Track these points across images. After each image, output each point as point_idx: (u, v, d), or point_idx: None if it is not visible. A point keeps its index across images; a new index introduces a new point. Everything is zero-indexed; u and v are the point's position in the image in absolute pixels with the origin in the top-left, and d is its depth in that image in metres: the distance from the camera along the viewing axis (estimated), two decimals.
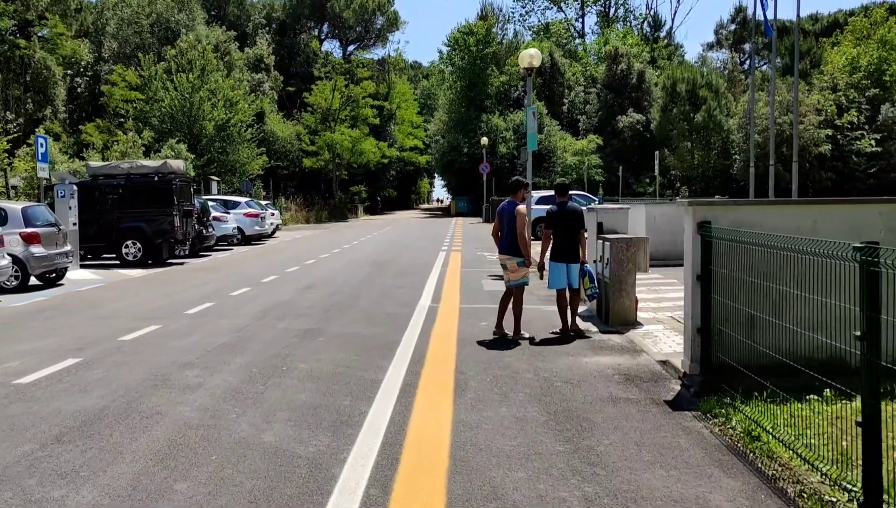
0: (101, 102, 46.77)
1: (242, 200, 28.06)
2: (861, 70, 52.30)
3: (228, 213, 25.30)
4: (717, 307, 6.29)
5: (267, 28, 65.70)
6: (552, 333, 9.07)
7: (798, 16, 27.65)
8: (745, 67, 61.57)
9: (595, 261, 10.45)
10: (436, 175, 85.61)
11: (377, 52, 73.41)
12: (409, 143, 69.07)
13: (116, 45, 51.50)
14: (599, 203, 10.99)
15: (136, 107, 40.18)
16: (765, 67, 58.67)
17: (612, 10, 70.59)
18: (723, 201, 6.32)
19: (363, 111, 57.32)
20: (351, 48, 71.69)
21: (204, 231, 21.67)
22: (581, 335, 8.96)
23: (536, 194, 29.33)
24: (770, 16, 31.76)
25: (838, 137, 47.93)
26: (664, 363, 7.41)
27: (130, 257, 18.80)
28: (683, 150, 50.29)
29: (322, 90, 55.76)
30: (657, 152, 31.70)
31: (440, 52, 73.64)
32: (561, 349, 8.25)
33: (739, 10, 63.01)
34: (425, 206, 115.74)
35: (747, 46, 62.76)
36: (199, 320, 10.34)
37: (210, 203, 24.22)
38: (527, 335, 8.83)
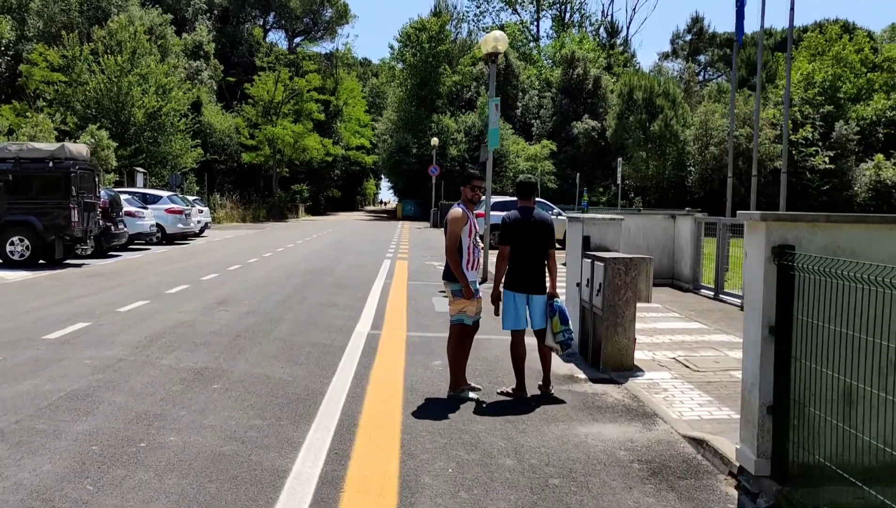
0: (17, 82, 42.91)
1: (164, 194, 25.15)
2: (816, 86, 51.94)
3: (146, 208, 22.41)
4: (802, 376, 4.15)
5: (208, 14, 62.20)
6: (502, 392, 6.51)
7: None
8: (701, 77, 60.96)
9: (578, 284, 8.28)
10: (382, 176, 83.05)
11: (325, 46, 70.67)
12: (355, 141, 66.41)
13: (42, 23, 47.58)
14: (584, 211, 8.70)
15: (58, 89, 36.65)
16: (721, 78, 58.03)
17: (568, 16, 69.31)
18: (810, 215, 3.99)
19: (308, 105, 54.50)
20: (297, 40, 68.70)
21: (112, 228, 18.82)
22: (552, 399, 6.39)
23: (492, 199, 27.22)
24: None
25: (793, 152, 47.23)
26: (698, 442, 5.23)
27: (16, 257, 15.89)
28: (638, 159, 49.06)
29: (265, 82, 52.75)
30: (619, 160, 30.02)
31: (391, 47, 71.09)
32: (546, 411, 6.02)
33: (696, 20, 62.46)
34: (371, 208, 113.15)
35: (702, 58, 62.25)
36: (55, 350, 7.75)
37: (124, 197, 21.33)
38: (472, 396, 6.36)
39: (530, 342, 6.59)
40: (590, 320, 7.83)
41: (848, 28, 60.43)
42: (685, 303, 12.48)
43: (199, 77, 52.32)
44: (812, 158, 47.66)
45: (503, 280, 6.49)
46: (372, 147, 68.35)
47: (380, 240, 29.52)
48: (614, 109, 50.14)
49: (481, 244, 6.55)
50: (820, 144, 49.08)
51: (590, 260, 7.92)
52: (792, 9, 23.05)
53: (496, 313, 6.54)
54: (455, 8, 70.20)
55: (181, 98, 41.19)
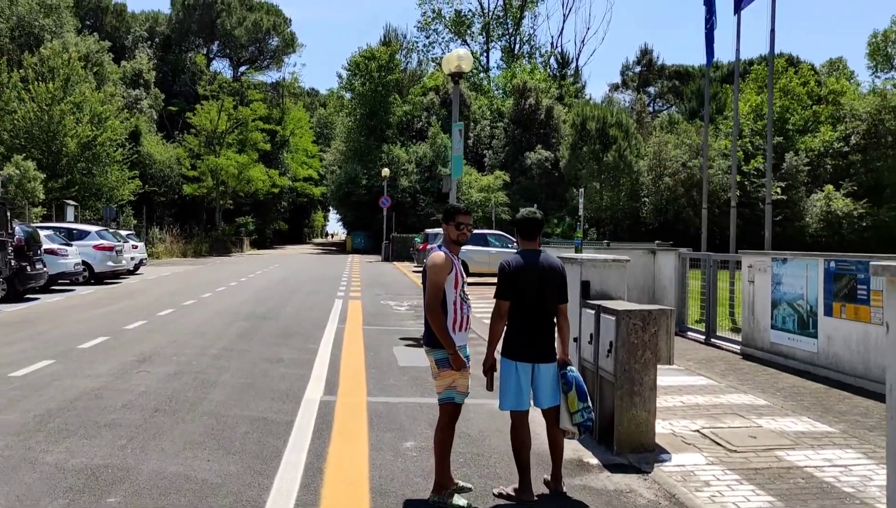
0: None
1: (93, 229, 23.02)
2: (764, 118, 52.40)
3: (70, 245, 20.28)
4: None
5: (149, 42, 60.00)
6: (500, 494, 4.93)
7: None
8: (651, 109, 61.09)
9: (576, 339, 6.83)
10: (331, 208, 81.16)
11: (271, 75, 68.84)
12: (303, 172, 64.59)
13: None
14: (577, 249, 7.26)
15: None
16: (671, 109, 58.22)
17: (518, 46, 69.07)
18: None
19: (253, 135, 52.59)
20: (243, 69, 66.76)
21: (28, 268, 16.75)
22: (567, 502, 4.87)
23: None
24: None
25: (745, 183, 47.27)
26: None
27: None
28: (592, 190, 48.41)
29: (208, 111, 50.70)
30: (581, 190, 28.97)
31: (339, 76, 69.72)
32: None
33: (644, 52, 62.86)
34: (319, 240, 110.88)
35: (652, 89, 62.50)
36: None
37: (45, 233, 19.24)
38: (461, 503, 4.75)
39: (535, 420, 5.08)
40: (595, 386, 6.35)
41: (793, 62, 61.62)
42: (678, 350, 11.11)
43: (139, 106, 50.04)
44: (763, 189, 47.73)
45: (500, 345, 4.98)
46: (320, 178, 66.58)
47: (330, 276, 27.76)
48: (567, 140, 49.52)
49: (470, 298, 5.01)
50: (771, 174, 49.34)
51: (593, 311, 6.48)
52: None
53: (489, 388, 5.00)
54: (405, 37, 69.32)
55: (118, 127, 39.00)
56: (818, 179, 50.22)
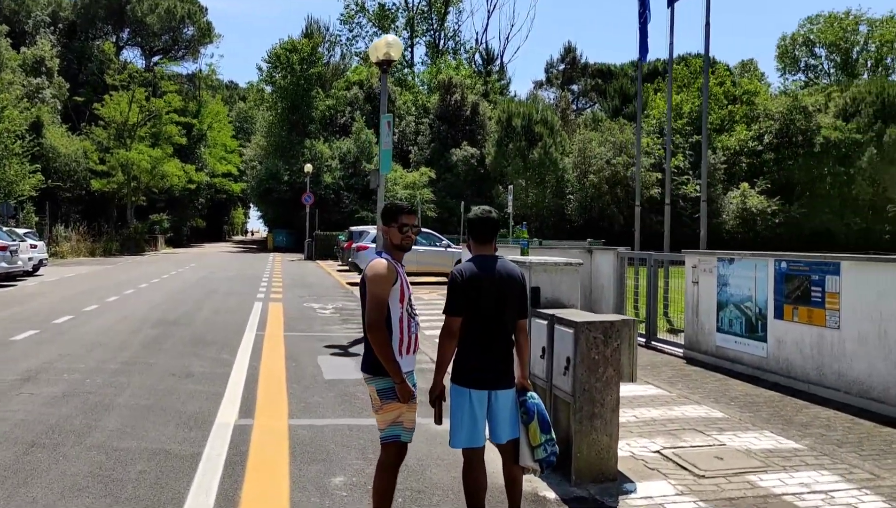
0: None
1: None
2: (684, 116, 53.42)
3: None
4: None
5: (52, 28, 56.50)
6: None
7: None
8: (575, 106, 61.51)
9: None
10: (252, 205, 78.76)
11: (187, 66, 65.98)
12: (221, 168, 62.24)
13: None
14: (524, 251, 6.52)
15: None
16: (595, 107, 58.72)
17: (442, 42, 68.45)
18: None
19: (167, 128, 50.15)
20: (156, 59, 63.73)
21: None
22: None
23: (373, 231, 24.91)
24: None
25: (667, 180, 47.90)
26: None
27: None
28: (518, 187, 48.27)
29: (117, 102, 48.00)
30: (510, 187, 28.52)
31: (259, 68, 67.68)
32: None
33: (568, 50, 63.20)
34: (239, 238, 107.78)
35: (575, 87, 62.96)
36: None
37: None
38: None
39: (490, 458, 4.32)
40: (549, 407, 5.65)
41: (709, 62, 63.02)
42: None
43: (41, 95, 46.96)
44: (684, 187, 48.66)
45: (450, 368, 4.18)
46: (240, 174, 64.36)
47: (249, 276, 26.41)
48: (493, 136, 49.23)
49: (418, 314, 4.21)
50: (690, 172, 50.31)
51: (545, 322, 5.77)
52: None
53: (437, 421, 4.20)
54: (327, 30, 67.57)
55: (16, 118, 36.40)
56: (734, 176, 51.58)
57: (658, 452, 5.91)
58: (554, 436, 4.26)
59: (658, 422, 6.84)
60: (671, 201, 48.38)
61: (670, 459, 5.71)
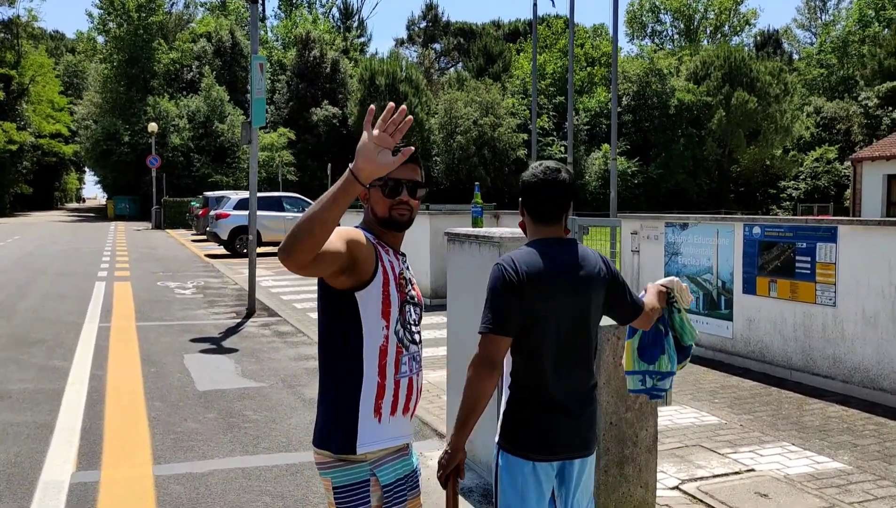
0: None
1: None
2: (548, 77, 53.30)
3: None
4: None
5: None
6: None
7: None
8: (441, 64, 59.92)
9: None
10: (87, 169, 71.65)
11: (3, 12, 58.15)
12: (49, 127, 55.58)
13: None
14: (478, 221, 4.95)
15: None
16: (458, 66, 57.42)
17: None
18: None
19: None
20: None
21: None
22: None
23: (234, 197, 22.20)
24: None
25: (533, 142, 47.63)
26: None
27: None
28: None
29: None
30: None
31: (90, 14, 60.66)
32: None
33: (430, 7, 61.29)
34: (74, 206, 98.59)
35: (438, 46, 61.35)
36: None
37: None
38: None
39: None
40: None
41: (573, 23, 63.31)
42: None
43: None
44: (550, 148, 48.59)
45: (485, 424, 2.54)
46: (72, 135, 57.84)
47: (88, 250, 22.95)
48: (356, 96, 46.79)
49: (421, 342, 2.35)
50: (555, 134, 50.36)
51: None
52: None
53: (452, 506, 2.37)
54: None
55: None
56: (595, 138, 52.26)
57: (678, 489, 4.41)
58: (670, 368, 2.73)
59: None
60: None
61: (702, 502, 4.23)
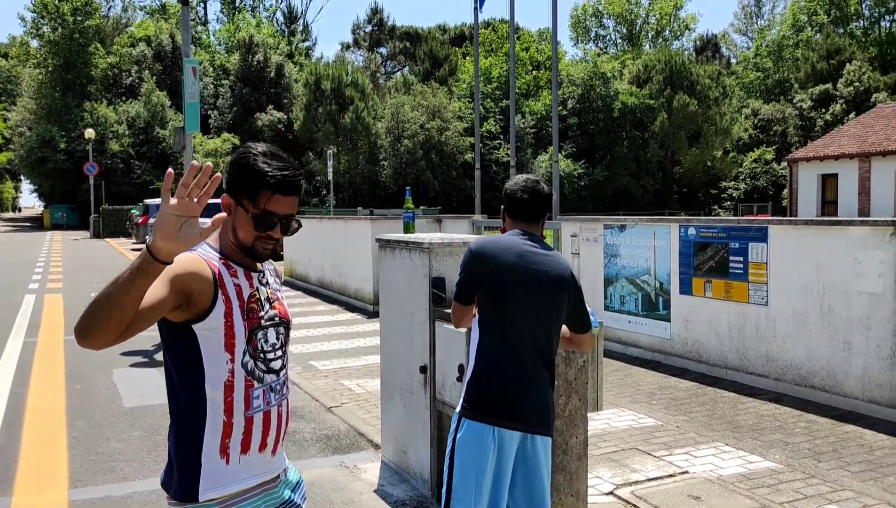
0: None
1: None
2: (493, 81, 53.54)
3: None
4: None
5: None
6: None
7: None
8: (387, 68, 59.68)
9: (424, 369, 4.37)
10: (22, 177, 69.31)
11: None
12: None
13: None
14: (409, 226, 4.87)
15: None
16: (405, 70, 57.26)
17: None
18: None
19: None
20: None
21: None
22: None
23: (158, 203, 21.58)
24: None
25: (479, 146, 47.78)
26: None
27: None
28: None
29: None
30: (329, 152, 26.18)
31: (22, 18, 58.91)
32: None
33: (375, 11, 60.94)
34: (10, 216, 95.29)
35: (384, 50, 61.12)
36: None
37: None
38: None
39: None
40: None
41: (516, 28, 63.86)
42: None
43: None
44: (497, 151, 48.79)
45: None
46: (6, 142, 55.81)
47: (20, 261, 22.10)
48: (301, 100, 46.25)
49: (284, 368, 2.18)
50: (502, 137, 50.61)
51: (465, 330, 3.98)
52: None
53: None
54: None
55: None
56: (542, 141, 52.68)
57: (613, 494, 4.37)
58: None
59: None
60: (483, 165, 48.51)
61: (636, 506, 4.19)
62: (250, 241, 1.97)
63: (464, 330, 3.84)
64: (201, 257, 1.93)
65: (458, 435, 2.66)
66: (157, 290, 1.76)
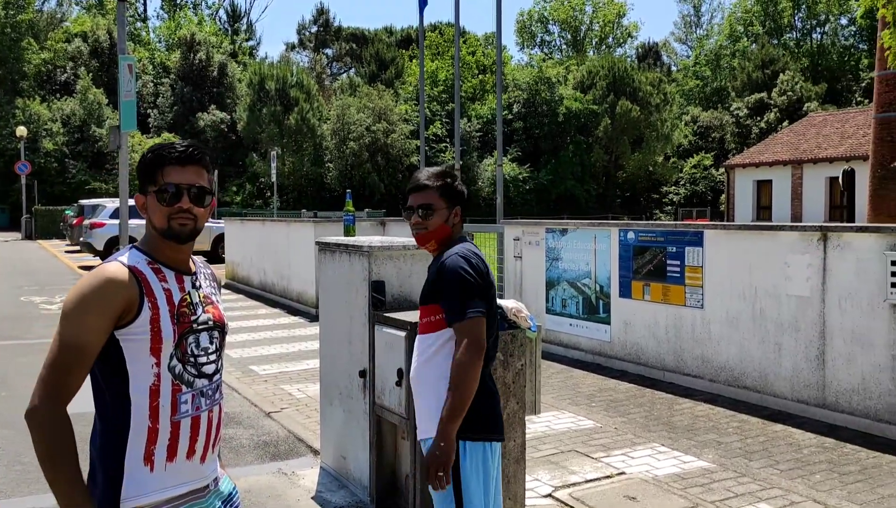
0: None
1: None
2: (440, 84, 53.67)
3: None
4: None
5: None
6: None
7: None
8: (332, 70, 59.24)
9: (364, 373, 4.35)
10: None
11: None
12: None
13: None
14: (350, 229, 4.76)
15: None
16: (351, 72, 56.93)
17: None
18: None
19: None
20: None
21: None
22: None
23: (110, 205, 21.05)
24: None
25: (426, 149, 47.87)
26: None
27: None
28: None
29: None
30: (273, 154, 25.79)
31: None
32: None
33: (321, 12, 60.39)
34: None
35: (329, 51, 60.68)
36: None
37: None
38: None
39: None
40: (409, 454, 3.88)
41: (461, 32, 64.15)
42: None
43: None
44: (443, 154, 48.90)
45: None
46: None
47: None
48: (245, 101, 45.57)
49: (219, 372, 2.13)
50: (448, 140, 50.72)
51: (402, 333, 3.96)
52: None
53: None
54: None
55: None
56: (487, 144, 53.00)
57: (551, 496, 4.41)
58: None
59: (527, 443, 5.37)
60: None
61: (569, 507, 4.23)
62: (165, 222, 1.95)
63: (403, 334, 3.84)
64: (124, 267, 1.90)
65: (464, 462, 2.56)
66: (84, 334, 1.84)
